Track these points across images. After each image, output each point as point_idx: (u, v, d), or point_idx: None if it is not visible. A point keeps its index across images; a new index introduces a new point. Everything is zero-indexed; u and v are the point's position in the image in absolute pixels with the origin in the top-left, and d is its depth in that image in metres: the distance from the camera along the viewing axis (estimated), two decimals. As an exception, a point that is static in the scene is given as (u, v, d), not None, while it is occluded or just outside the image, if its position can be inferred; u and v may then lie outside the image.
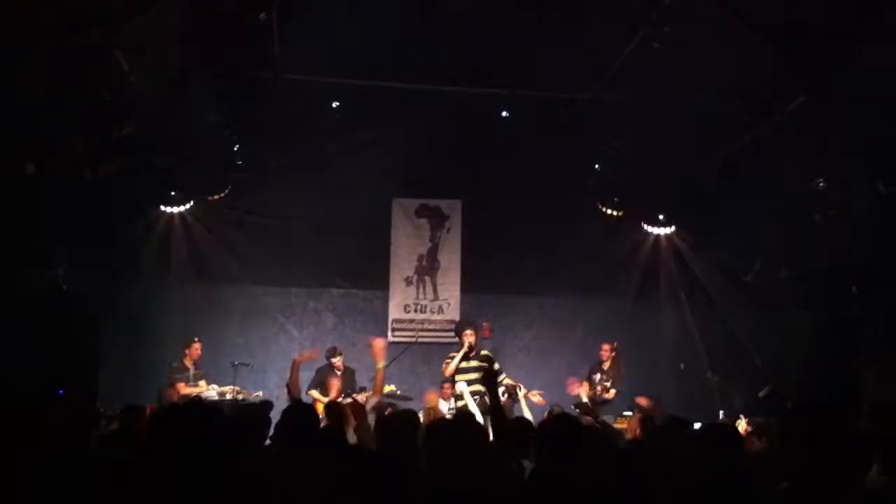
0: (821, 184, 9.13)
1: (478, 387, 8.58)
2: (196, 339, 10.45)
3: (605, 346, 10.72)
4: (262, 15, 7.91)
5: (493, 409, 5.13)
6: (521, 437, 4.69)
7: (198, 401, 2.37)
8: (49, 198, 8.58)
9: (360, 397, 9.65)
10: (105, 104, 8.34)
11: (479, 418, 7.01)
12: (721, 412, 8.97)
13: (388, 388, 8.85)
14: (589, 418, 6.89)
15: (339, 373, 10.25)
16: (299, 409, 4.66)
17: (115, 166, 8.74)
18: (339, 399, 9.29)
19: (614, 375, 10.41)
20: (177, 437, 2.13)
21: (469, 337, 9.05)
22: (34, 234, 8.68)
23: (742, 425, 7.80)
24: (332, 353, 10.48)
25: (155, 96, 9.02)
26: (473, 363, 8.87)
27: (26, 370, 8.41)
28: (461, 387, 8.72)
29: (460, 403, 8.65)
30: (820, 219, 9.40)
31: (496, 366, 9.00)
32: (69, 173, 8.62)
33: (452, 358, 9.06)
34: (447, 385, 9.81)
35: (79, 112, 8.28)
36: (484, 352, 9.08)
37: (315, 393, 10.05)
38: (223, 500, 2.15)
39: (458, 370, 8.94)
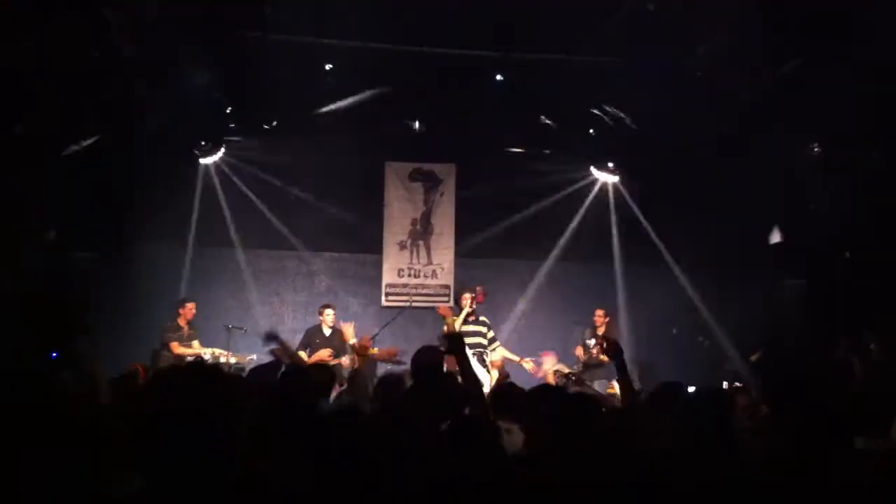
0: (815, 148, 9.10)
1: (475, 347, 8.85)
2: (190, 299, 10.43)
3: (599, 312, 10.76)
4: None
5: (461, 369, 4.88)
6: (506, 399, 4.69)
7: (201, 361, 2.33)
8: (37, 163, 8.49)
9: (345, 360, 9.67)
10: (93, 65, 8.23)
11: (483, 376, 7.17)
12: (725, 383, 9.04)
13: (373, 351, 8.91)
14: (578, 388, 6.94)
15: (327, 332, 10.20)
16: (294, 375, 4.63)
17: (103, 130, 8.64)
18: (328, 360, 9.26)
19: (608, 341, 10.45)
20: (182, 399, 2.10)
21: (467, 300, 9.26)
22: (24, 199, 8.60)
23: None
24: (321, 309, 10.43)
25: (144, 58, 8.90)
26: (471, 327, 9.11)
27: (18, 335, 8.40)
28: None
29: None
30: (816, 185, 9.39)
31: (491, 333, 9.20)
32: (57, 137, 8.53)
33: (454, 320, 9.23)
34: None
35: (66, 74, 8.16)
36: (482, 318, 9.23)
37: (303, 354, 9.98)
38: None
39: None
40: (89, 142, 8.45)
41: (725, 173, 10.95)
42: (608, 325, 10.65)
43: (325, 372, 5.69)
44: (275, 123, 11.27)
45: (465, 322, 9.29)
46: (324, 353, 9.62)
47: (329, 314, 10.30)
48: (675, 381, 4.62)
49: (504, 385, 5.55)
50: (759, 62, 8.73)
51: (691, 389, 4.83)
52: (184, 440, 2.04)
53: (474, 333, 9.20)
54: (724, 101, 10.02)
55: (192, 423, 2.07)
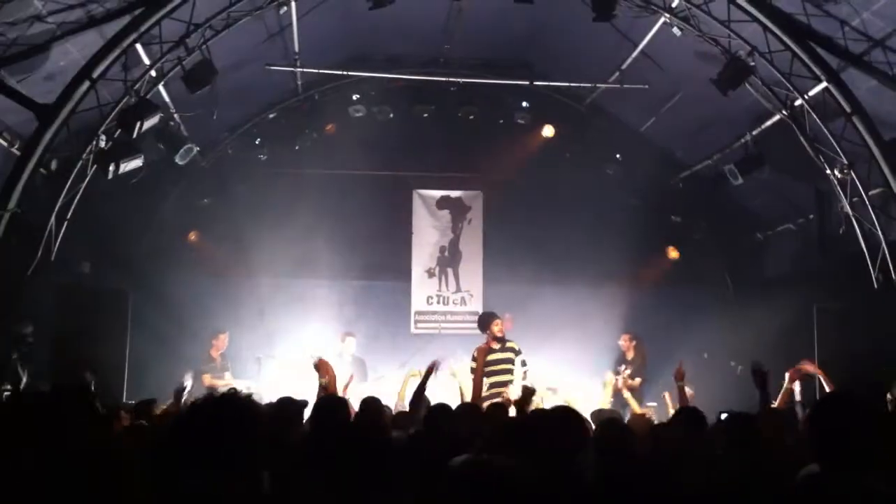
0: (845, 170, 9.04)
1: (505, 377, 8.65)
2: (223, 330, 10.46)
3: (624, 337, 10.71)
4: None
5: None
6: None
7: (234, 391, 2.32)
8: (72, 194, 8.64)
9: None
10: (128, 99, 8.41)
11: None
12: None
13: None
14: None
15: (348, 360, 10.16)
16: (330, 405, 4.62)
17: (138, 162, 8.79)
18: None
19: (638, 365, 10.39)
20: (215, 429, 2.12)
21: (497, 325, 8.98)
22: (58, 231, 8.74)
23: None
24: (343, 337, 10.44)
25: (176, 91, 9.09)
26: (499, 355, 8.83)
27: (53, 367, 8.52)
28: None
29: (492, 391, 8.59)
30: (841, 208, 9.31)
31: (521, 357, 8.98)
32: (92, 169, 8.68)
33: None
34: None
35: (101, 108, 8.36)
36: (510, 343, 9.03)
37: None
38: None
39: (487, 363, 8.78)
40: (131, 167, 8.56)
41: (750, 196, 10.89)
42: (635, 348, 10.59)
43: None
44: (305, 153, 11.41)
45: (491, 350, 8.97)
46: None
47: (351, 342, 10.32)
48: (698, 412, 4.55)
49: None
50: (784, 87, 8.73)
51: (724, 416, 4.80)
52: (215, 469, 2.07)
53: (502, 361, 8.87)
54: (751, 125, 10.01)
55: (224, 453, 2.08)
